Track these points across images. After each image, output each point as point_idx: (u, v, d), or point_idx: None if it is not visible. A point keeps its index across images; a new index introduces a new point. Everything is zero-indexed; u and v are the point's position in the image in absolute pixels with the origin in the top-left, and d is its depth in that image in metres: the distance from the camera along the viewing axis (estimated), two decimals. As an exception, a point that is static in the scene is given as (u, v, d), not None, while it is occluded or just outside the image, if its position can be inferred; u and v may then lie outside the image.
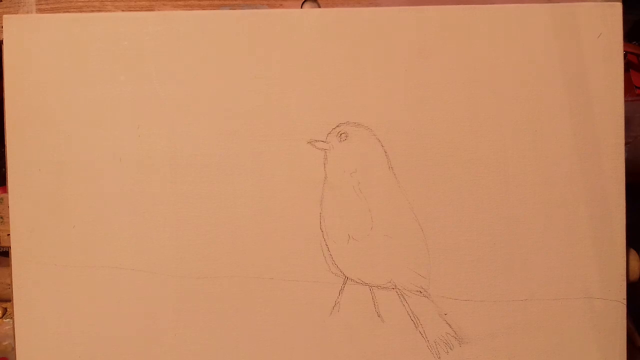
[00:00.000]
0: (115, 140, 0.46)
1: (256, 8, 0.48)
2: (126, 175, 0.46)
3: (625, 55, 0.48)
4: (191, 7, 0.48)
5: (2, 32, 0.46)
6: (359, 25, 0.47)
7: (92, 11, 0.48)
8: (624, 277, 0.47)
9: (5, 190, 0.47)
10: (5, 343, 0.59)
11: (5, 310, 0.61)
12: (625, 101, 0.47)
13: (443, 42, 0.47)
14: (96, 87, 0.46)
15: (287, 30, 0.46)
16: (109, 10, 0.48)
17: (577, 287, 0.47)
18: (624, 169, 0.47)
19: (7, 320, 0.60)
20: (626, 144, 0.48)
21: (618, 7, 0.47)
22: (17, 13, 0.47)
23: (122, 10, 0.48)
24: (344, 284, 0.47)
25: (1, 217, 0.56)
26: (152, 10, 0.48)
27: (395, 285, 0.47)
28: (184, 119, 0.46)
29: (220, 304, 0.46)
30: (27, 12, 0.48)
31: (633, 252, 0.49)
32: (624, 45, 0.47)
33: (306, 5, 0.49)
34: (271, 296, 0.46)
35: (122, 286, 0.46)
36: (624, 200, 0.47)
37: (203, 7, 0.48)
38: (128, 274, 0.46)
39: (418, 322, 0.47)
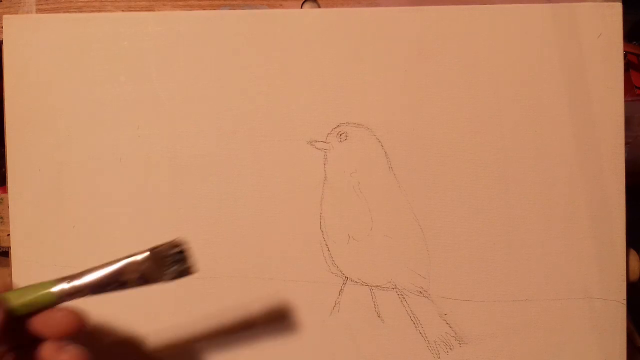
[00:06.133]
0: (115, 140, 0.46)
1: (256, 8, 0.48)
2: (126, 175, 0.46)
3: (625, 55, 0.48)
4: (191, 7, 0.48)
5: (2, 32, 0.46)
6: (359, 25, 0.46)
7: (92, 11, 0.48)
8: (624, 277, 0.47)
9: (5, 190, 0.47)
10: (5, 343, 0.59)
11: (5, 310, 0.61)
12: (625, 101, 0.47)
13: (443, 42, 0.47)
14: (96, 87, 0.46)
15: (287, 30, 0.46)
16: (109, 10, 0.48)
17: (577, 287, 0.47)
18: (624, 169, 0.47)
19: (7, 320, 0.60)
20: (626, 144, 0.48)
21: (618, 7, 0.47)
22: (17, 13, 0.47)
23: (122, 10, 0.48)
24: (344, 284, 0.47)
25: (1, 217, 0.55)
26: (152, 10, 0.48)
27: (395, 286, 0.47)
28: (184, 119, 0.46)
29: (220, 304, 0.46)
30: (27, 12, 0.48)
31: (633, 252, 0.49)
32: (624, 45, 0.47)
33: (306, 5, 0.49)
34: (271, 296, 0.46)
35: (122, 286, 0.46)
36: (624, 200, 0.47)
37: (203, 7, 0.48)
38: (128, 274, 0.46)
39: (418, 322, 0.47)
